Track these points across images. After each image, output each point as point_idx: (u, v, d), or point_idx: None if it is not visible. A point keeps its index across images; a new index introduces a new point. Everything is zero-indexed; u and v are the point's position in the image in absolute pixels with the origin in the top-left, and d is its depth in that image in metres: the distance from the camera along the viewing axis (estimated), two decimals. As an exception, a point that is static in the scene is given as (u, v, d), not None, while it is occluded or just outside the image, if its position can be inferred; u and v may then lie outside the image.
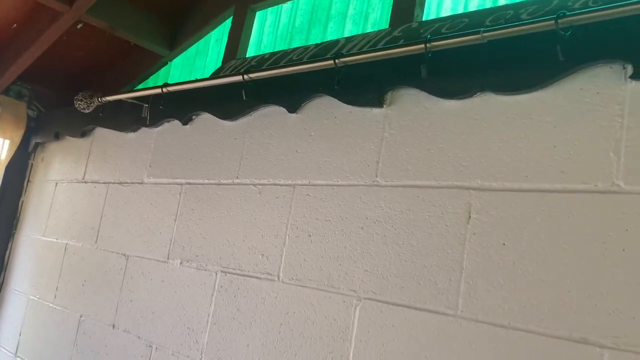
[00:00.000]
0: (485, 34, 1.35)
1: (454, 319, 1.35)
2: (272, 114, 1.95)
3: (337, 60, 1.65)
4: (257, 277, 1.81)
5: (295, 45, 2.25)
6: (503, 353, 1.26)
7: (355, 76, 1.69)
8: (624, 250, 1.15)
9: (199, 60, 2.79)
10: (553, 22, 1.23)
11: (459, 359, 1.32)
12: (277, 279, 1.75)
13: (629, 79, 1.22)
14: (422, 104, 1.57)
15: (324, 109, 1.80)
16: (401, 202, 1.53)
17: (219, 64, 2.46)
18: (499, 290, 1.30)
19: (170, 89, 2.14)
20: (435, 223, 1.45)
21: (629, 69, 1.22)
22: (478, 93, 1.46)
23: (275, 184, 1.85)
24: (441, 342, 1.36)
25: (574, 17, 1.21)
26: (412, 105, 1.60)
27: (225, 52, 2.45)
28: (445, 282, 1.39)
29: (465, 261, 1.37)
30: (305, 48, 2.02)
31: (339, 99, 1.74)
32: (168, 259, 2.13)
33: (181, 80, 2.44)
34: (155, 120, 2.35)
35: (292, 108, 1.87)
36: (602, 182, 1.21)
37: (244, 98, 1.89)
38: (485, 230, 1.36)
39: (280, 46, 2.34)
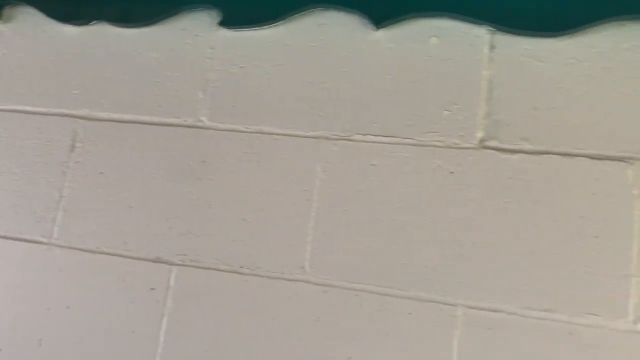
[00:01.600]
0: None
1: (48, 247, 1.33)
2: None
3: None
4: None
5: None
6: (90, 276, 1.30)
7: (-34, -17, 1.49)
8: (211, 180, 1.28)
9: None
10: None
11: (52, 285, 1.31)
12: None
13: (219, 25, 1.34)
14: (40, 25, 1.47)
15: None
16: (7, 128, 1.43)
17: None
18: (93, 218, 1.33)
19: None
20: (41, 151, 1.40)
21: (219, 16, 1.34)
22: (94, 22, 1.43)
23: None
24: (34, 270, 1.33)
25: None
26: (30, 25, 1.48)
27: None
28: (43, 211, 1.36)
29: (65, 189, 1.36)
30: None
31: (-52, 7, 1.52)
32: None
33: None
34: None
35: None
36: (190, 117, 1.33)
37: None
38: (87, 160, 1.36)
39: None
